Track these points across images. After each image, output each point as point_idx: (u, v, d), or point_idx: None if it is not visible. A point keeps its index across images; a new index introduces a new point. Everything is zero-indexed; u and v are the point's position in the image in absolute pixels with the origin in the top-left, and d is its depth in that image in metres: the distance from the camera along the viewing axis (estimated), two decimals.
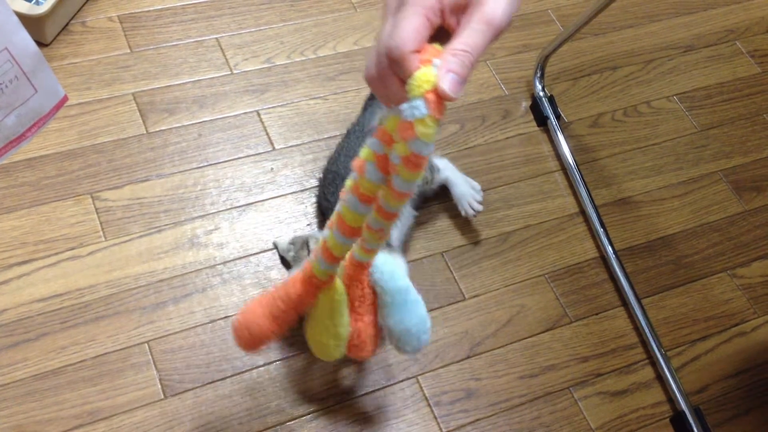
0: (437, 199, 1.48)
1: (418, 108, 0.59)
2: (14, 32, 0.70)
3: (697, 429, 1.30)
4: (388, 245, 1.30)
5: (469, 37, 0.60)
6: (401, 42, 0.59)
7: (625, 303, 1.43)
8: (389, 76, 0.62)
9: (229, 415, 1.21)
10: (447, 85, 0.59)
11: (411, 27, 0.59)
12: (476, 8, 0.60)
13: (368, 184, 0.74)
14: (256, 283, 1.33)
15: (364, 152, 0.73)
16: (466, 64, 0.60)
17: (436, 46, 0.61)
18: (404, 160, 0.63)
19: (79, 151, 1.41)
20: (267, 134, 1.50)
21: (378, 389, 1.27)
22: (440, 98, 0.58)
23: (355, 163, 0.74)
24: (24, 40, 0.71)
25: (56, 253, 1.30)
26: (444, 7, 0.61)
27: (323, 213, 1.38)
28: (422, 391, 1.28)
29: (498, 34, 0.61)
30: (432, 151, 0.63)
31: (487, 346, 1.35)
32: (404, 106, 0.60)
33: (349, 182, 0.76)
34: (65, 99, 0.78)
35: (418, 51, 0.60)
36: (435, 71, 0.58)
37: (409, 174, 0.64)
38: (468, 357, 1.33)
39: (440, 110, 0.59)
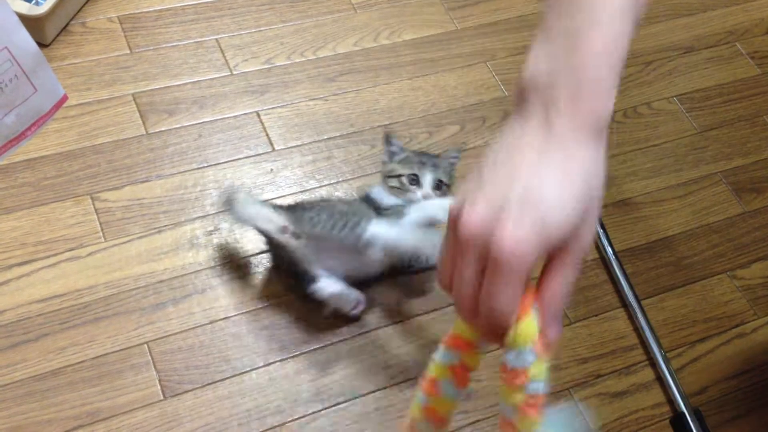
0: None
1: (528, 357, 0.57)
2: (14, 31, 0.70)
3: (697, 430, 1.30)
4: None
5: (566, 278, 0.57)
6: (508, 311, 0.56)
7: (625, 304, 1.43)
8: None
9: (228, 415, 1.21)
10: (554, 335, 0.58)
11: (512, 297, 0.55)
12: (573, 244, 0.57)
13: (445, 403, 0.67)
14: (256, 284, 1.33)
15: (435, 369, 0.66)
16: (563, 307, 0.58)
17: (529, 291, 0.57)
18: (524, 405, 0.58)
19: (79, 152, 1.41)
20: (267, 135, 1.50)
21: (378, 390, 1.27)
22: (548, 344, 0.57)
23: (425, 385, 0.67)
24: (24, 39, 0.71)
25: (56, 254, 1.30)
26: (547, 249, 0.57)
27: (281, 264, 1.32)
28: None
29: (585, 256, 0.58)
30: (547, 388, 0.59)
31: (488, 346, 1.34)
32: (511, 356, 0.57)
33: (417, 406, 0.69)
34: (65, 98, 0.78)
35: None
36: (536, 322, 0.57)
37: (533, 417, 0.59)
38: None
39: (548, 352, 0.58)
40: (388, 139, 1.37)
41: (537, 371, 0.57)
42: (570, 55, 0.56)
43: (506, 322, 0.56)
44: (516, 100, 0.59)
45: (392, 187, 1.32)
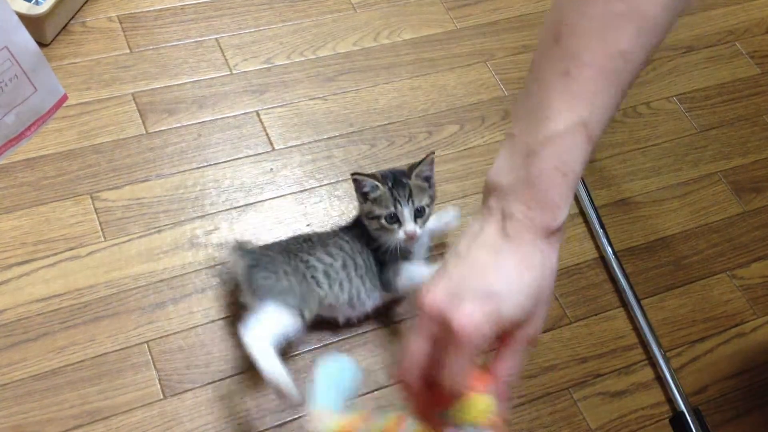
0: (437, 199, 1.48)
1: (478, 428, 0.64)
2: (14, 31, 0.70)
3: (696, 430, 1.30)
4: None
5: (517, 359, 0.67)
6: (458, 384, 0.64)
7: (624, 304, 1.43)
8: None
9: (228, 415, 1.21)
10: (503, 411, 0.66)
11: (462, 368, 0.63)
12: (525, 328, 0.66)
13: None
14: None
15: None
16: (510, 389, 0.67)
17: (478, 370, 0.66)
18: None
19: (79, 152, 1.41)
20: (266, 134, 1.50)
21: (377, 389, 1.27)
22: (500, 422, 0.64)
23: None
24: (24, 38, 0.71)
25: (56, 254, 1.30)
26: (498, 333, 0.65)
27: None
28: None
29: (533, 344, 0.68)
30: None
31: None
32: (471, 430, 0.65)
33: None
34: (65, 98, 0.78)
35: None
36: (491, 400, 0.65)
37: None
38: None
39: (502, 428, 0.66)
40: (357, 181, 1.27)
41: None
42: (527, 170, 0.65)
43: (456, 391, 0.64)
44: (483, 198, 0.70)
45: (375, 230, 1.27)
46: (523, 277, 0.64)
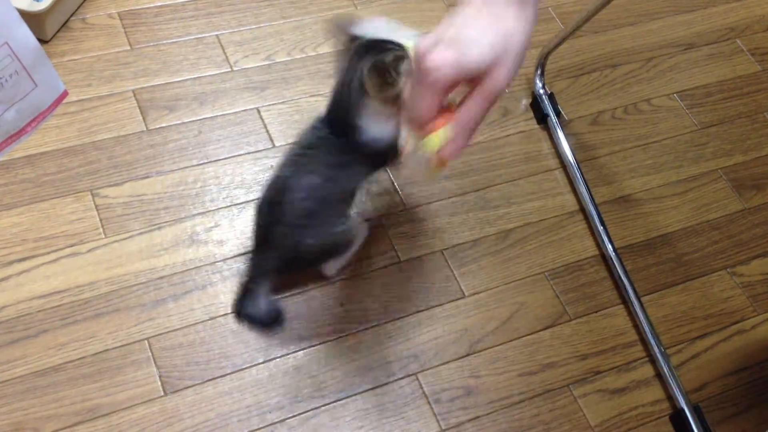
0: (436, 197, 1.48)
1: (421, 162, 0.77)
2: (15, 27, 0.70)
3: (697, 427, 1.30)
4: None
5: (477, 105, 0.77)
6: (419, 116, 0.78)
7: (624, 301, 1.43)
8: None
9: (228, 411, 1.21)
10: (448, 152, 0.78)
11: (426, 106, 0.77)
12: (487, 80, 0.76)
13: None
14: None
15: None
16: (468, 135, 0.78)
17: (451, 108, 0.78)
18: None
19: (79, 148, 1.41)
20: (267, 131, 1.50)
21: (377, 386, 1.27)
22: (441, 158, 0.75)
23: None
24: (24, 34, 0.71)
25: (56, 250, 1.30)
26: (460, 80, 0.77)
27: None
28: (422, 388, 1.28)
29: (497, 97, 0.77)
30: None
31: (487, 343, 1.35)
32: (411, 158, 0.79)
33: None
34: (65, 94, 0.78)
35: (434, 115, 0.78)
36: (443, 138, 0.76)
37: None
38: (467, 354, 1.33)
39: (440, 164, 0.78)
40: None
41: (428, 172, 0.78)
42: None
43: (419, 126, 0.77)
44: None
45: None
46: (489, 31, 0.75)
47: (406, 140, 0.83)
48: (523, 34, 0.77)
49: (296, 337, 1.29)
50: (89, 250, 1.31)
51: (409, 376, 1.29)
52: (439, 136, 0.76)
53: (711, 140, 1.69)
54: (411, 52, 0.79)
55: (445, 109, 0.78)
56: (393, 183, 1.48)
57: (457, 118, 0.77)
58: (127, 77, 1.51)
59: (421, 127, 0.77)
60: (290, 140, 1.50)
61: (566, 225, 1.51)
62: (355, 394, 1.26)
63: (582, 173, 1.55)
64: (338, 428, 1.23)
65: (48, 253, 1.30)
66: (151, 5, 1.62)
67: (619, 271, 1.45)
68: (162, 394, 1.21)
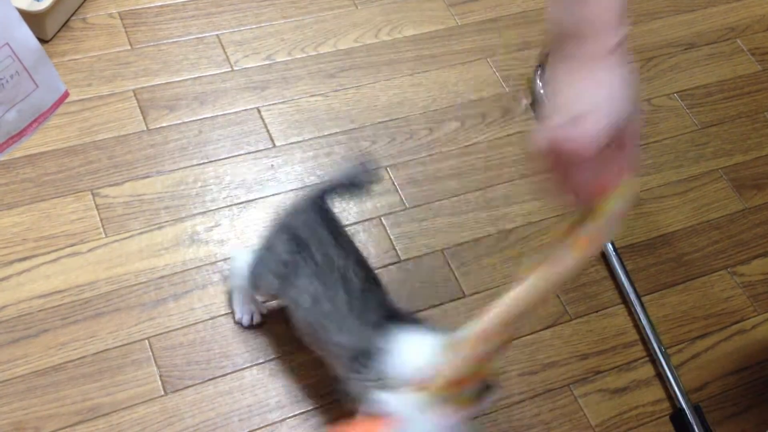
0: (437, 197, 1.48)
1: (615, 226, 0.82)
2: (15, 28, 0.70)
3: (697, 426, 1.30)
4: None
5: (631, 156, 0.82)
6: (591, 190, 0.82)
7: (625, 300, 1.43)
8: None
9: (229, 411, 1.21)
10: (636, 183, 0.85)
11: (592, 179, 0.80)
12: (629, 129, 0.80)
13: None
14: None
15: None
16: (635, 169, 0.84)
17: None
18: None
19: (80, 148, 1.41)
20: (267, 131, 1.50)
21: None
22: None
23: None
24: (25, 35, 0.71)
25: (56, 250, 1.30)
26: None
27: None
28: None
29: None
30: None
31: None
32: (605, 228, 0.82)
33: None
34: (66, 94, 0.78)
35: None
36: (622, 194, 0.82)
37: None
38: None
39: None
40: None
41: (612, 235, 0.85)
42: (581, 8, 0.78)
43: (594, 198, 0.81)
44: (552, 45, 0.80)
45: None
46: (602, 89, 0.77)
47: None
48: (626, 75, 0.80)
49: (297, 337, 1.29)
50: (90, 250, 1.31)
51: None
52: (617, 194, 0.81)
53: (711, 140, 1.69)
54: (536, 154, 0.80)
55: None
56: (393, 182, 1.48)
57: (626, 167, 0.82)
58: (128, 77, 1.51)
59: (594, 200, 0.82)
60: (290, 140, 1.50)
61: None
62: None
63: None
64: None
65: (48, 252, 1.30)
66: (152, 5, 1.62)
67: (620, 270, 1.45)
68: (162, 393, 1.21)
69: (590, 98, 0.77)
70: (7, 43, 0.70)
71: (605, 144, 0.77)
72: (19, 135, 0.75)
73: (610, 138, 0.77)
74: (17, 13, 0.71)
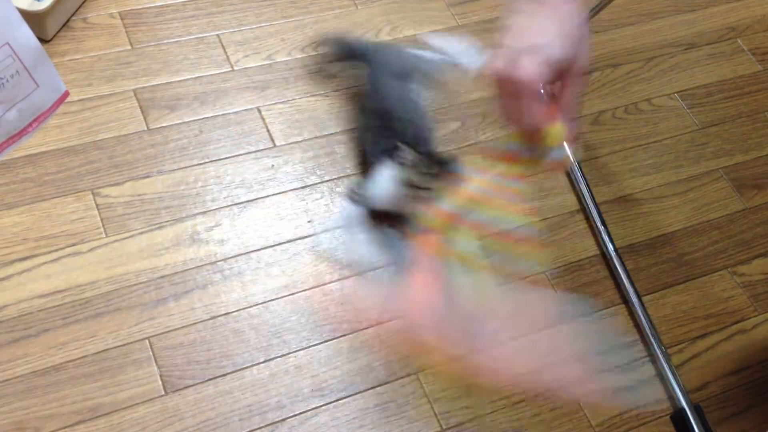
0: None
1: (562, 152, 0.82)
2: (16, 27, 0.70)
3: (698, 426, 1.30)
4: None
5: (574, 90, 0.83)
6: (537, 123, 0.82)
7: (625, 300, 1.43)
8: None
9: (229, 411, 1.21)
10: (573, 133, 0.83)
11: (538, 112, 0.81)
12: (573, 67, 0.82)
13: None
14: (257, 280, 1.33)
15: None
16: (576, 111, 0.84)
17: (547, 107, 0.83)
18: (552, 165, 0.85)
19: (80, 148, 1.41)
20: (268, 131, 1.50)
21: (378, 386, 1.27)
22: (571, 137, 0.82)
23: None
24: (25, 34, 0.71)
25: (57, 249, 1.30)
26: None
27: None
28: (423, 388, 1.28)
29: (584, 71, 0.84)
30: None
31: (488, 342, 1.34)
32: (552, 155, 0.83)
33: None
34: (66, 94, 0.78)
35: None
36: (561, 128, 0.82)
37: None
38: (469, 354, 1.33)
39: (573, 142, 0.85)
40: None
41: (566, 160, 0.85)
42: None
43: (538, 128, 0.81)
44: None
45: None
46: (555, 24, 0.80)
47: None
48: (578, 11, 0.83)
49: (297, 337, 1.29)
50: (90, 250, 1.31)
51: (410, 375, 1.29)
52: (558, 128, 0.82)
53: (712, 140, 1.69)
54: (483, 70, 0.85)
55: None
56: None
57: (565, 106, 0.83)
58: (128, 77, 1.51)
59: (540, 131, 0.83)
60: (291, 140, 1.50)
61: (567, 224, 1.51)
62: (356, 394, 1.26)
63: (583, 173, 1.55)
64: (338, 428, 1.23)
65: (49, 252, 1.30)
66: (152, 5, 1.62)
67: (620, 270, 1.45)
68: (163, 393, 1.21)
69: (546, 32, 0.80)
70: (8, 43, 0.70)
71: (551, 79, 0.81)
72: (19, 135, 0.75)
73: (556, 74, 0.80)
74: (17, 13, 0.71)
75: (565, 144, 0.83)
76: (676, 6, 1.90)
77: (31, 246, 1.30)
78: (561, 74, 0.82)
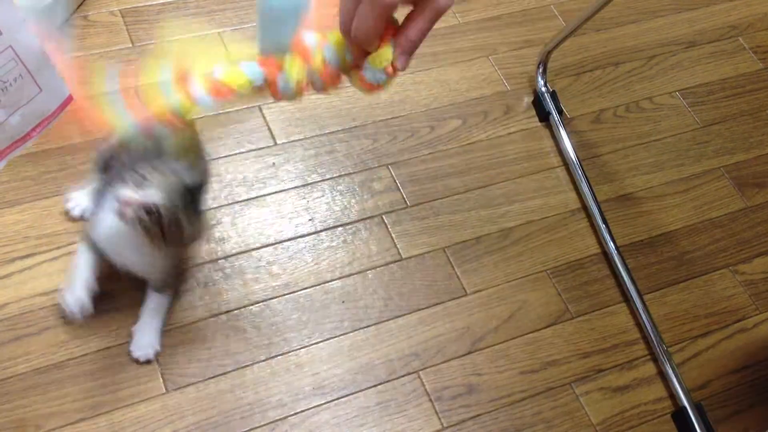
0: (438, 195, 1.48)
1: (380, 76, 0.79)
2: (19, 30, 0.70)
3: (699, 425, 1.30)
4: None
5: (419, 26, 0.78)
6: (369, 36, 0.77)
7: (626, 299, 1.43)
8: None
9: (230, 409, 1.21)
10: (401, 64, 0.78)
11: (374, 26, 0.76)
12: (428, 2, 0.77)
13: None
14: (258, 278, 1.33)
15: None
16: (415, 48, 0.79)
17: (395, 24, 0.78)
18: (366, 85, 0.82)
19: (81, 146, 1.41)
20: (269, 129, 1.50)
21: (379, 384, 1.27)
22: (395, 69, 0.78)
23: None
24: (28, 38, 0.71)
25: (58, 247, 1.30)
26: None
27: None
28: (424, 386, 1.29)
29: (441, 15, 0.77)
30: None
31: (489, 341, 1.35)
32: (368, 73, 0.80)
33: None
34: (70, 99, 0.78)
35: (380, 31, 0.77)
36: (391, 52, 0.78)
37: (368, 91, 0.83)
38: (469, 352, 1.33)
39: (395, 75, 0.79)
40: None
41: (385, 87, 0.80)
42: None
43: (369, 45, 0.77)
44: None
45: None
46: None
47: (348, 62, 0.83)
48: None
49: (298, 335, 1.29)
50: None
51: (410, 373, 1.29)
52: (388, 51, 0.78)
53: (713, 138, 1.69)
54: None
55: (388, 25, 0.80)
56: (394, 180, 1.48)
57: (406, 33, 0.78)
58: (129, 75, 1.51)
59: (370, 45, 0.78)
60: (292, 138, 1.50)
61: (568, 223, 1.51)
62: (357, 392, 1.26)
63: (584, 171, 1.55)
64: (339, 426, 1.23)
65: (50, 250, 1.30)
66: (153, 2, 1.62)
67: (621, 269, 1.45)
68: (164, 391, 1.21)
69: None
70: (10, 46, 0.69)
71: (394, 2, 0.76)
72: (23, 139, 0.75)
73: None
74: (21, 15, 0.70)
75: (385, 71, 0.78)
76: (678, 4, 1.90)
77: (32, 244, 1.30)
78: (416, 6, 0.77)
